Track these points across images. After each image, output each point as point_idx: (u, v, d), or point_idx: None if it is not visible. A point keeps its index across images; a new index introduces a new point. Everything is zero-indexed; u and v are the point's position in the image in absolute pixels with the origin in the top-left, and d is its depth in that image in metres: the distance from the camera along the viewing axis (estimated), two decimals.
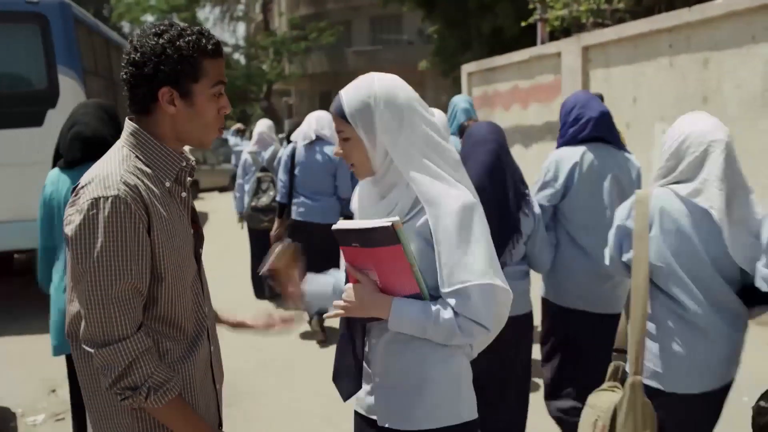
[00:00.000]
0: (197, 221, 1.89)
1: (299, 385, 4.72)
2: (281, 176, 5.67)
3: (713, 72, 6.29)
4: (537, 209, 3.16)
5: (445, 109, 5.63)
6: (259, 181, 6.66)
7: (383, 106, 1.82)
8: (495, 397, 3.06)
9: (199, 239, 1.87)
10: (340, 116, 1.87)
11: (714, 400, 2.65)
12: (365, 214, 1.94)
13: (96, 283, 1.58)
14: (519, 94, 10.66)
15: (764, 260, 2.33)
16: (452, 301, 1.74)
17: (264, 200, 6.39)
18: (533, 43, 12.09)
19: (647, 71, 7.34)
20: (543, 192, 3.39)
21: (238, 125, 18.68)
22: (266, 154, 6.87)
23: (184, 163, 1.76)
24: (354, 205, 2.03)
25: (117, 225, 1.58)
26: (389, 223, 1.72)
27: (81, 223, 1.58)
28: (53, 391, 4.78)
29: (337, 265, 2.19)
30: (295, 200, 5.59)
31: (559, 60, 9.20)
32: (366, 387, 1.94)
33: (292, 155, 5.61)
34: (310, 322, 5.63)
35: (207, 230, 6.50)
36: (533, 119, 10.03)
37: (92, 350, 1.61)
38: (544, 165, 3.40)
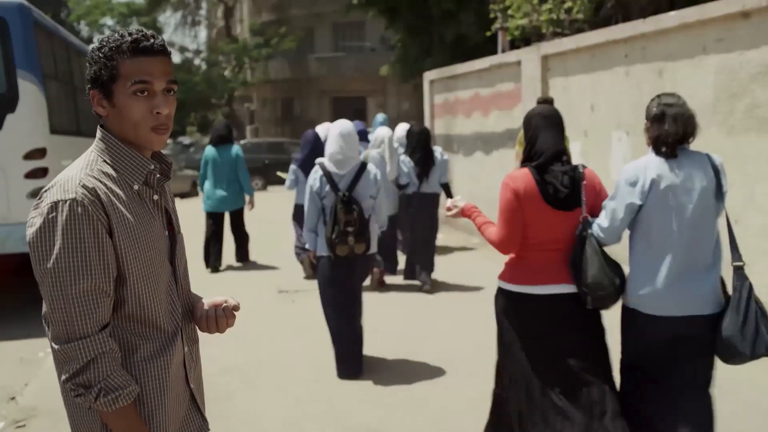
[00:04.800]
0: (173, 223, 1.92)
1: (262, 389, 4.74)
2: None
3: (667, 81, 6.47)
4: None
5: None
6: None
7: None
8: None
9: (174, 242, 1.91)
10: None
11: None
12: None
13: (56, 283, 1.62)
14: (480, 101, 10.80)
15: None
16: None
17: None
18: (494, 52, 12.27)
19: (604, 80, 7.52)
20: None
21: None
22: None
23: (152, 166, 1.79)
24: None
25: (75, 227, 1.62)
26: None
27: (41, 226, 1.63)
28: (12, 398, 4.72)
29: None
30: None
31: (519, 68, 9.36)
32: None
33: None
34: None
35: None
36: (494, 126, 10.18)
37: (57, 346, 1.65)
38: None
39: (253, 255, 9.46)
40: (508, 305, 3.26)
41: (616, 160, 7.28)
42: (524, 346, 3.19)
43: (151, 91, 1.73)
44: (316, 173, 4.91)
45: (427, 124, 13.03)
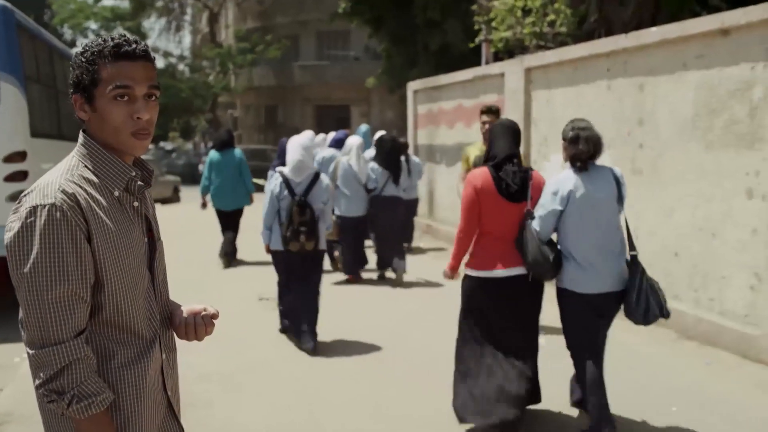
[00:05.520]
0: (153, 230, 1.91)
1: (242, 397, 4.72)
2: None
3: (648, 96, 6.55)
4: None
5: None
6: None
7: None
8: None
9: (153, 249, 1.89)
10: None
11: None
12: None
13: (33, 288, 1.61)
14: (463, 112, 10.86)
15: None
16: None
17: None
18: (478, 63, 12.37)
19: (586, 93, 7.59)
20: None
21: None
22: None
23: (134, 173, 1.79)
24: None
25: (53, 232, 1.61)
26: None
27: (19, 230, 1.62)
28: None
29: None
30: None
31: (503, 80, 9.42)
32: None
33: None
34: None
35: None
36: (477, 137, 10.22)
37: (31, 352, 1.64)
38: None
39: (233, 262, 9.44)
40: (470, 288, 4.13)
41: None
42: (481, 320, 4.09)
43: (132, 96, 1.72)
44: (276, 179, 5.63)
45: (410, 133, 13.08)
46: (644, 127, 6.61)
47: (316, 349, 5.60)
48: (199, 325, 1.94)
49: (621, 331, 6.11)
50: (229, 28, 37.52)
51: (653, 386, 4.83)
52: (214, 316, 1.97)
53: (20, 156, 6.49)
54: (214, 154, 9.49)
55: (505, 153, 4.02)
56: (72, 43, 37.21)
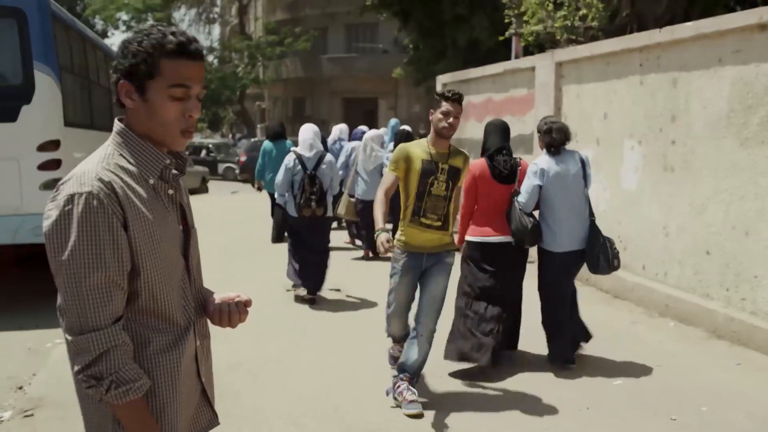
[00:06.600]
0: (187, 218, 1.93)
1: (268, 387, 4.75)
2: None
3: (681, 91, 6.45)
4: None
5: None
6: None
7: None
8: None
9: (187, 237, 1.91)
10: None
11: None
12: None
13: (71, 275, 1.63)
14: (492, 106, 10.80)
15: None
16: None
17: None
18: (508, 57, 12.28)
19: (618, 88, 7.50)
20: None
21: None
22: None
23: (168, 161, 1.80)
24: None
25: (90, 220, 1.63)
26: None
27: (57, 218, 1.64)
28: (20, 388, 4.74)
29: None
30: None
31: (533, 74, 9.35)
32: None
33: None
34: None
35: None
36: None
37: (70, 338, 1.66)
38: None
39: (260, 253, 9.51)
40: (468, 250, 5.08)
41: (627, 169, 7.26)
42: (476, 277, 5.00)
43: (188, 95, 1.74)
44: (290, 157, 6.85)
45: None
46: (677, 123, 6.52)
47: (315, 302, 6.89)
48: (233, 312, 1.96)
49: (650, 330, 6.08)
50: (259, 20, 37.67)
51: (682, 385, 4.78)
52: (248, 303, 1.98)
53: (54, 145, 6.57)
54: (267, 144, 10.65)
55: (496, 146, 5.03)
56: (103, 34, 37.62)
